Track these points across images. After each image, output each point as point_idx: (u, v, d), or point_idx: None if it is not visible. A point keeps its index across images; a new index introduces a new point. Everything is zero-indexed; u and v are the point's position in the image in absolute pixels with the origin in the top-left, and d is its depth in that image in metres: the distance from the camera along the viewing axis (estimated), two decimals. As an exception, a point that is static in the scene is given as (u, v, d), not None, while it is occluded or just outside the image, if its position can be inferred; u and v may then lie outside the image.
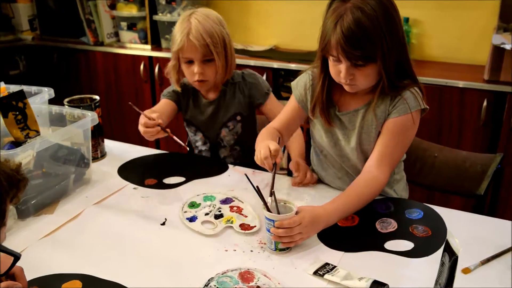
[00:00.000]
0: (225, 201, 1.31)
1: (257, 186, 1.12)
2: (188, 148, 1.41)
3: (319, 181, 1.44)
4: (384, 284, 0.96)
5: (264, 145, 1.21)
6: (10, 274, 0.87)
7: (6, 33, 3.24)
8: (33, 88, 1.57)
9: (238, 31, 3.01)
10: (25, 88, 1.51)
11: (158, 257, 1.09)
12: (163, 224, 1.22)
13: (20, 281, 0.89)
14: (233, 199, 1.32)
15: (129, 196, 1.36)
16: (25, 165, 1.22)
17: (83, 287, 0.99)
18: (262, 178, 1.43)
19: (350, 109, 1.32)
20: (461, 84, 2.20)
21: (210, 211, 1.26)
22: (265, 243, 1.13)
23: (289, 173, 1.53)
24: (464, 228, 1.17)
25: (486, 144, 2.21)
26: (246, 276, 1.01)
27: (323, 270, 1.02)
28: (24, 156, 1.22)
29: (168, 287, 0.99)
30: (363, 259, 1.07)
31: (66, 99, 1.57)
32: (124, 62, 3.02)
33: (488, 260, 1.05)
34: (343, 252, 1.09)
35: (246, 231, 1.17)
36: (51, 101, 1.56)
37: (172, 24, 2.77)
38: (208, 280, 1.00)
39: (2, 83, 1.51)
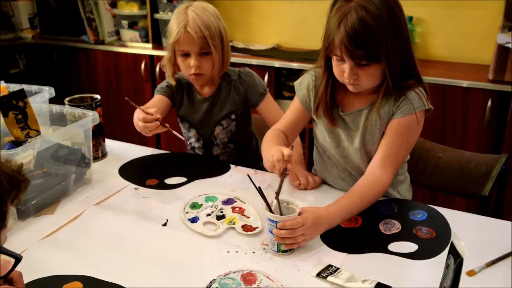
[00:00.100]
0: (227, 201, 1.30)
1: (259, 187, 1.11)
2: (188, 143, 1.39)
3: (323, 182, 1.43)
4: (388, 287, 0.95)
5: (277, 149, 1.20)
6: (8, 279, 0.86)
7: (6, 31, 3.23)
8: (34, 87, 1.56)
9: (240, 29, 3.00)
10: (26, 87, 1.50)
11: (160, 258, 1.08)
12: (165, 225, 1.21)
13: (18, 286, 0.88)
14: (235, 199, 1.31)
15: (130, 196, 1.36)
16: (25, 165, 1.21)
17: (83, 288, 0.99)
18: (264, 179, 1.42)
19: (353, 109, 1.31)
20: (465, 83, 2.19)
21: (212, 212, 1.25)
22: (267, 245, 1.12)
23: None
24: (469, 229, 1.16)
25: (490, 145, 2.20)
26: (248, 278, 1.00)
27: (326, 272, 1.02)
28: (25, 156, 1.21)
29: (169, 289, 0.99)
30: (367, 261, 1.06)
31: (67, 98, 1.56)
32: (125, 61, 3.01)
33: (493, 262, 1.04)
34: (346, 254, 1.09)
35: (248, 232, 1.16)
36: (51, 100, 1.55)
37: (173, 22, 2.75)
38: (210, 282, 0.99)
39: (2, 82, 1.50)
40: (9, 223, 0.83)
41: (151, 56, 2.92)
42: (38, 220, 1.24)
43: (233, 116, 1.62)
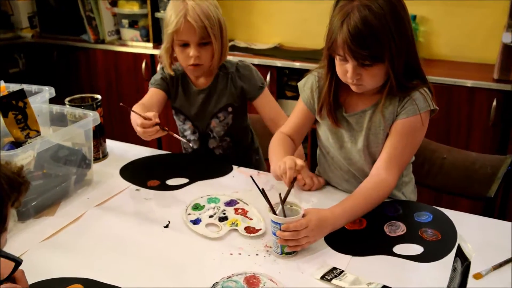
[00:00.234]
0: (230, 203, 1.29)
1: (263, 189, 1.10)
2: (191, 144, 1.37)
3: (326, 183, 1.42)
4: (394, 290, 0.94)
5: (290, 158, 1.19)
6: (11, 278, 0.85)
7: (5, 30, 3.22)
8: (34, 87, 1.55)
9: (241, 28, 2.98)
10: (25, 87, 1.49)
11: (161, 260, 1.07)
12: (166, 226, 1.20)
13: (20, 284, 0.88)
14: (238, 201, 1.30)
15: (131, 197, 1.34)
16: (25, 166, 1.20)
17: (84, 291, 0.98)
18: (267, 180, 1.41)
19: (357, 110, 1.29)
20: (469, 83, 2.18)
21: (215, 214, 1.24)
22: (270, 247, 1.11)
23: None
24: (475, 232, 1.15)
25: (495, 145, 2.19)
26: (251, 280, 1.00)
27: (331, 274, 1.01)
28: (25, 157, 1.20)
29: (172, 292, 0.98)
30: (372, 264, 1.05)
31: (67, 99, 1.55)
32: (125, 60, 3.00)
33: (500, 265, 1.03)
34: (350, 256, 1.08)
35: (252, 234, 1.15)
36: (51, 100, 1.54)
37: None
38: (213, 284, 0.98)
39: (2, 82, 1.49)
40: (9, 225, 0.82)
41: (152, 56, 2.90)
42: (38, 221, 1.23)
43: (230, 109, 1.59)
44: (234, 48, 2.83)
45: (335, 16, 1.16)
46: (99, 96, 1.57)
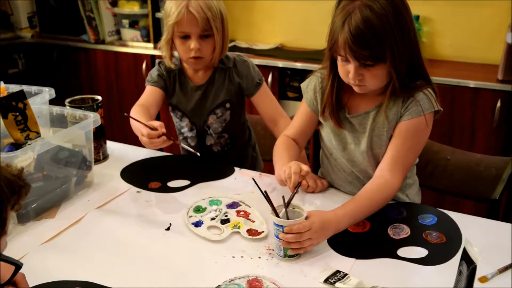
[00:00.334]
0: (232, 205, 1.28)
1: (265, 191, 1.09)
2: (198, 154, 1.33)
3: (329, 185, 1.41)
4: (399, 294, 0.93)
5: (296, 163, 1.19)
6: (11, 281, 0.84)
7: (4, 30, 3.20)
8: (33, 88, 1.54)
9: (243, 29, 2.97)
10: (25, 88, 1.48)
11: (163, 263, 1.06)
12: (168, 229, 1.19)
13: (21, 287, 0.87)
14: (240, 203, 1.29)
15: (132, 200, 1.33)
16: (25, 168, 1.20)
17: (85, 295, 0.97)
18: (269, 182, 1.40)
19: (360, 111, 1.28)
20: (473, 84, 2.17)
21: (216, 216, 1.23)
22: (273, 250, 1.10)
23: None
24: (480, 234, 1.14)
25: (499, 147, 2.17)
26: (254, 284, 0.99)
27: (334, 278, 1.00)
28: (24, 159, 1.19)
29: (173, 296, 0.97)
30: (375, 267, 1.04)
31: (67, 100, 1.54)
32: (126, 61, 2.99)
33: (506, 268, 1.02)
34: (354, 259, 1.07)
35: (254, 237, 1.14)
36: (51, 101, 1.53)
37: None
38: (215, 288, 0.97)
39: (2, 83, 1.48)
40: (9, 227, 0.82)
41: (153, 56, 2.89)
42: (38, 224, 1.22)
43: (227, 105, 1.57)
44: (235, 49, 2.82)
45: (337, 16, 1.15)
46: (99, 97, 1.56)
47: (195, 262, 1.06)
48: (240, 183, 1.41)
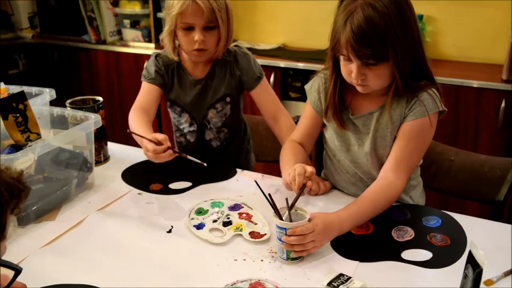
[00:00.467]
0: (234, 207, 1.27)
1: (269, 194, 1.08)
2: (205, 164, 1.30)
3: (333, 186, 1.40)
4: (403, 298, 0.92)
5: (300, 165, 1.18)
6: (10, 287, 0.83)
7: (5, 31, 3.21)
8: (34, 89, 1.54)
9: (245, 29, 2.96)
10: (26, 89, 1.48)
11: (164, 266, 1.05)
12: (169, 231, 1.18)
13: None
14: (242, 205, 1.28)
15: (133, 202, 1.32)
16: (25, 170, 1.19)
17: (86, 298, 0.97)
18: (271, 184, 1.39)
19: (364, 112, 1.27)
20: (477, 84, 2.16)
21: (218, 218, 1.22)
22: (276, 252, 1.09)
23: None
24: (485, 236, 1.13)
25: (504, 147, 2.16)
26: (256, 287, 0.98)
27: (338, 281, 0.99)
28: (25, 160, 1.19)
29: (175, 299, 0.96)
30: (379, 270, 1.03)
31: (68, 101, 1.53)
32: (127, 61, 2.98)
33: (512, 271, 1.00)
34: (358, 262, 1.06)
35: (256, 240, 1.13)
36: (51, 102, 1.53)
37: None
38: (218, 291, 0.97)
39: (2, 84, 1.47)
40: (9, 230, 0.81)
41: (154, 56, 2.88)
42: (39, 226, 1.21)
43: (228, 99, 1.55)
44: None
45: (339, 16, 1.15)
46: (100, 98, 1.56)
47: (197, 265, 1.06)
48: (242, 185, 1.40)
